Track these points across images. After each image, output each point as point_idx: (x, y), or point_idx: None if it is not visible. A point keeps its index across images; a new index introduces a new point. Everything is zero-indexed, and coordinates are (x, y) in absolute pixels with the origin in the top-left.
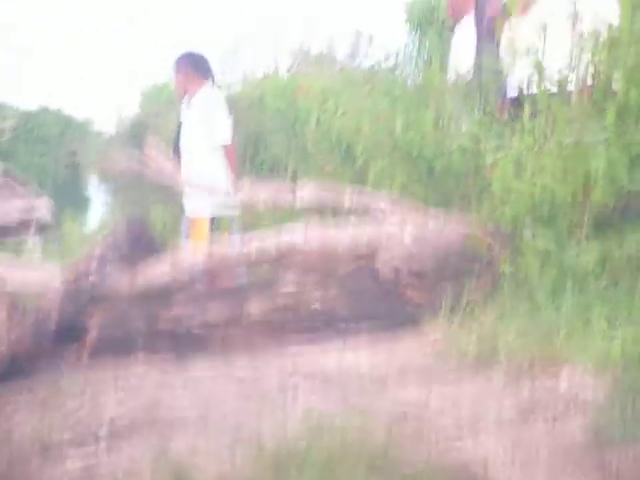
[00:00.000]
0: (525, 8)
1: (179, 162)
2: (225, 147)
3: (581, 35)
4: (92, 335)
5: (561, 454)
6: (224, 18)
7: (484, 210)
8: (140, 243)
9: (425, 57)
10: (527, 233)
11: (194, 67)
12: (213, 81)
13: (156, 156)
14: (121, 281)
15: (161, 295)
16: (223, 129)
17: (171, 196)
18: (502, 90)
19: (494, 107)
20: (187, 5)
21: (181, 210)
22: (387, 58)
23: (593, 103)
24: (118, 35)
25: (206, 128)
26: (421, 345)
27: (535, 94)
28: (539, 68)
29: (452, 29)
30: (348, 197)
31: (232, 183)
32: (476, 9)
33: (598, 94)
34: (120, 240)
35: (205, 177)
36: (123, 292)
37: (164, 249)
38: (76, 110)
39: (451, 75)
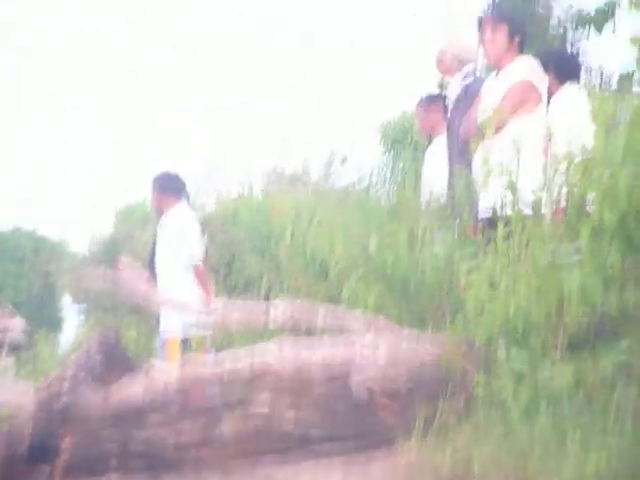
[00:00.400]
0: (499, 129)
1: (153, 281)
2: (196, 267)
3: (555, 156)
4: (65, 456)
5: None
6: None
7: (458, 329)
8: (113, 363)
9: (399, 177)
10: (501, 353)
11: (169, 186)
12: (188, 200)
13: (130, 275)
14: (94, 401)
15: (134, 415)
16: (193, 249)
17: (144, 315)
18: (475, 210)
19: (467, 227)
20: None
21: (155, 329)
22: (361, 179)
23: (567, 224)
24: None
25: (177, 247)
26: (395, 466)
27: (509, 215)
28: (512, 189)
29: (425, 150)
30: (322, 316)
31: (205, 302)
32: (448, 130)
33: (572, 215)
34: (93, 360)
35: (178, 296)
36: (96, 412)
37: (137, 368)
38: (50, 231)
39: (424, 195)
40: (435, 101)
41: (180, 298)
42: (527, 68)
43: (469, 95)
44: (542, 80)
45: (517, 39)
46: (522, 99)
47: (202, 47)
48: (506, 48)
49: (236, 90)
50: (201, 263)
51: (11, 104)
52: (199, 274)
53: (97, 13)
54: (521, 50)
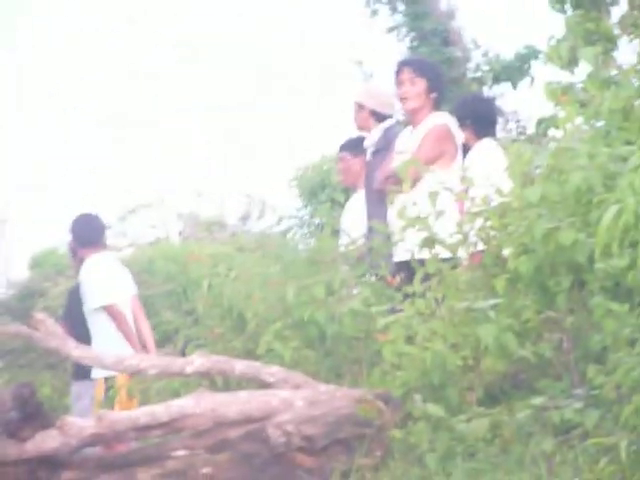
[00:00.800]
0: (416, 180)
1: (68, 335)
2: (108, 309)
3: (473, 200)
4: None
5: None
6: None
7: (375, 375)
8: (28, 418)
9: (317, 221)
10: (418, 398)
11: (87, 235)
12: (104, 246)
13: (45, 320)
14: (9, 457)
15: (49, 471)
16: (96, 292)
17: (58, 371)
18: (393, 255)
19: (385, 271)
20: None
21: (71, 374)
22: (279, 222)
23: (484, 269)
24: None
25: (88, 292)
26: None
27: (426, 259)
28: (429, 233)
29: (344, 194)
30: (239, 371)
31: (119, 358)
32: (366, 177)
33: (488, 260)
34: (7, 416)
35: (95, 342)
36: (11, 460)
37: (52, 424)
38: None
39: (343, 240)
40: (359, 148)
41: (93, 353)
42: (444, 120)
43: (386, 147)
44: (458, 135)
45: (434, 95)
46: (439, 145)
47: (202, 47)
48: (423, 103)
49: (236, 90)
50: (114, 304)
51: (11, 104)
52: (115, 316)
53: (97, 13)
54: (437, 107)
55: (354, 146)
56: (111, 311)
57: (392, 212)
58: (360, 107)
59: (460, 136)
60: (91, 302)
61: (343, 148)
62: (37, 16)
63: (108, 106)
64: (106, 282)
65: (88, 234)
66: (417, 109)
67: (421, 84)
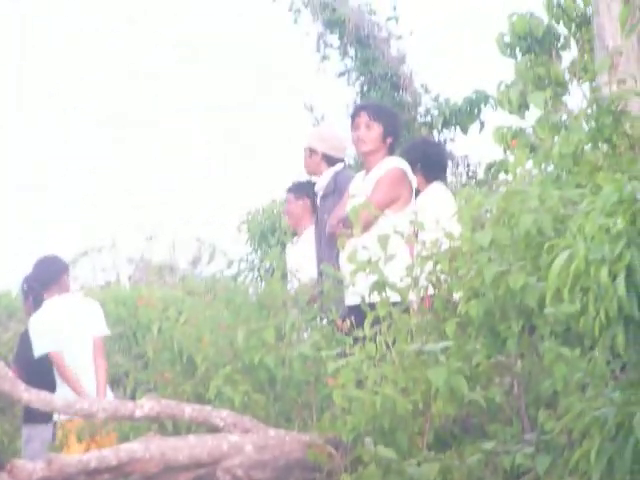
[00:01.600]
0: (368, 224)
1: (19, 370)
2: (51, 357)
3: (423, 244)
4: None
5: None
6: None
7: (325, 419)
8: None
9: (267, 265)
10: (369, 441)
11: (48, 273)
12: (67, 288)
13: None
14: None
15: None
16: (36, 341)
17: (10, 404)
18: (343, 298)
19: (336, 315)
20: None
21: (21, 417)
22: (229, 266)
23: (434, 312)
24: None
25: (32, 340)
26: None
27: (376, 302)
28: (380, 277)
29: (293, 238)
30: (188, 415)
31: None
32: (316, 224)
33: (439, 303)
34: None
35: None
36: None
37: (1, 468)
38: None
39: (293, 284)
40: (304, 191)
41: (43, 396)
42: (399, 164)
43: (337, 191)
44: (413, 179)
45: (389, 140)
46: (393, 189)
47: (202, 47)
48: (377, 147)
49: (236, 90)
50: (53, 352)
51: (11, 104)
52: (56, 362)
53: (97, 13)
54: (392, 152)
55: (298, 189)
56: (52, 359)
57: (343, 256)
58: (312, 151)
59: (414, 180)
60: (36, 350)
61: (288, 190)
62: (38, 16)
63: (108, 106)
64: (47, 329)
65: (51, 276)
66: (372, 153)
67: (377, 129)
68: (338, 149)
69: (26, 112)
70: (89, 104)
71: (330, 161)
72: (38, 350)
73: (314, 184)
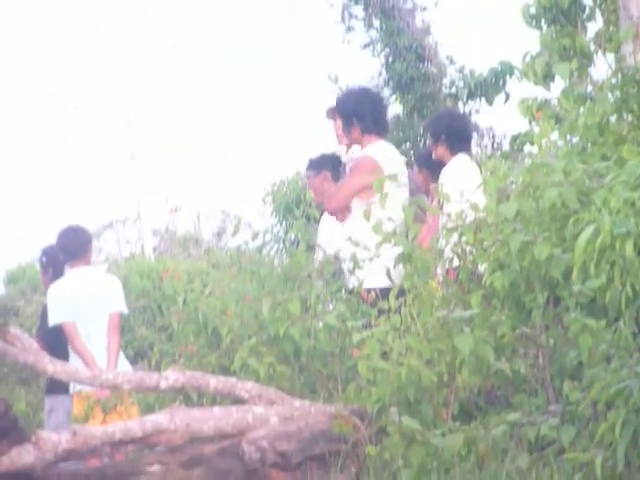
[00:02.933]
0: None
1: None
2: (64, 327)
3: (448, 215)
4: None
5: None
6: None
7: (350, 390)
8: (3, 433)
9: (292, 237)
10: (393, 413)
11: (73, 244)
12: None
13: (20, 335)
14: None
15: (25, 476)
16: (50, 311)
17: (34, 376)
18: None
19: (360, 294)
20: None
21: (44, 389)
22: (254, 238)
23: (459, 284)
24: None
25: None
26: None
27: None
28: (406, 248)
29: (319, 210)
30: (213, 386)
31: (96, 373)
32: None
33: (464, 275)
34: None
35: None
36: None
37: (27, 439)
38: None
39: (318, 255)
40: (322, 165)
41: (68, 368)
42: (369, 153)
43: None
44: (390, 164)
45: (357, 126)
46: (359, 178)
47: (202, 48)
48: (353, 138)
49: (260, 62)
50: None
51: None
52: (67, 334)
53: (97, 13)
54: (370, 132)
55: (316, 164)
56: (64, 329)
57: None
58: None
59: (395, 163)
60: (50, 319)
61: (307, 168)
62: (37, 17)
63: (108, 106)
64: (63, 300)
65: (75, 246)
66: (348, 145)
67: (339, 122)
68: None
69: (26, 112)
70: (89, 104)
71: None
72: (52, 319)
73: (332, 156)
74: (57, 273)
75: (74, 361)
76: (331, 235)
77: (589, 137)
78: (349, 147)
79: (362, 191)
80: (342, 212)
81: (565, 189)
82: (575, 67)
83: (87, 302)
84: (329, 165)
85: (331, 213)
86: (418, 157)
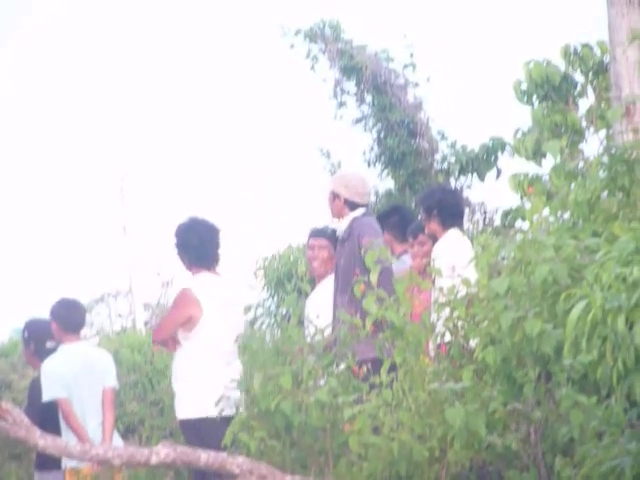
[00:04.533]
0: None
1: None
2: (59, 403)
3: (440, 290)
4: None
5: None
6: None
7: (342, 466)
8: None
9: (284, 311)
10: None
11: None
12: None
13: (12, 409)
14: None
15: None
16: (45, 386)
17: (25, 451)
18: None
19: (352, 362)
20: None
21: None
22: (246, 312)
23: (450, 359)
24: None
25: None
26: None
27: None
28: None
29: (310, 284)
30: (204, 462)
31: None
32: (335, 265)
33: (455, 350)
34: None
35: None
36: None
37: None
38: None
39: (309, 330)
40: (326, 235)
41: (59, 443)
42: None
43: (351, 237)
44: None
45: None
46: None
47: (217, 93)
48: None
49: (251, 136)
50: (60, 399)
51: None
52: (62, 409)
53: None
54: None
55: (321, 233)
56: (59, 405)
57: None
58: (335, 196)
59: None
60: (44, 395)
61: (312, 235)
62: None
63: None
64: (59, 375)
65: (72, 320)
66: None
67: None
68: (361, 195)
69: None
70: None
71: (352, 206)
72: (47, 395)
73: (333, 229)
74: (39, 348)
75: (67, 436)
76: (325, 306)
77: (579, 214)
78: (338, 220)
79: (184, 323)
80: (171, 342)
81: (556, 265)
82: (565, 144)
83: (81, 377)
84: (331, 236)
85: (160, 344)
86: (411, 230)
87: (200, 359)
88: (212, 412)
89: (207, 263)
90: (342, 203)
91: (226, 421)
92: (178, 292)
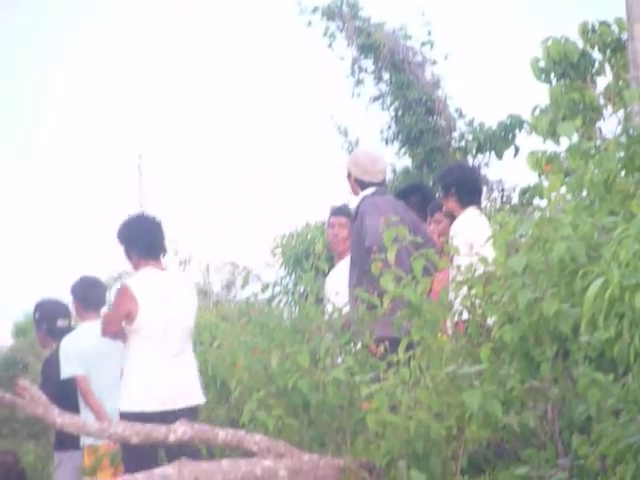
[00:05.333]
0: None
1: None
2: (77, 381)
3: (458, 268)
4: None
5: None
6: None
7: (359, 444)
8: (11, 476)
9: (301, 289)
10: (402, 467)
11: (91, 294)
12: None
13: (29, 387)
14: None
15: None
16: (64, 364)
17: (43, 429)
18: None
19: (369, 347)
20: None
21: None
22: (263, 290)
23: (468, 337)
24: None
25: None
26: None
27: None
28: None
29: (329, 261)
30: (222, 439)
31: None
32: (352, 241)
33: (473, 328)
34: None
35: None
36: None
37: None
38: None
39: (327, 308)
40: (346, 214)
41: (77, 420)
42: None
43: (359, 216)
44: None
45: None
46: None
47: (236, 71)
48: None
49: (270, 114)
50: (79, 376)
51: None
52: (79, 387)
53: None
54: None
55: (341, 211)
56: (78, 383)
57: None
58: (348, 174)
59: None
60: (63, 372)
61: (333, 213)
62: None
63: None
64: (78, 352)
65: (93, 298)
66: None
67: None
68: (371, 174)
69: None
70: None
71: (362, 185)
72: (66, 372)
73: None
74: (51, 327)
75: (84, 414)
76: (338, 287)
77: (596, 193)
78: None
79: (125, 318)
80: (122, 335)
81: (574, 243)
82: (579, 124)
83: (100, 356)
84: (349, 213)
85: (112, 337)
86: (443, 177)
87: (140, 353)
88: (149, 407)
89: (154, 253)
90: (353, 181)
91: (169, 414)
92: (118, 288)
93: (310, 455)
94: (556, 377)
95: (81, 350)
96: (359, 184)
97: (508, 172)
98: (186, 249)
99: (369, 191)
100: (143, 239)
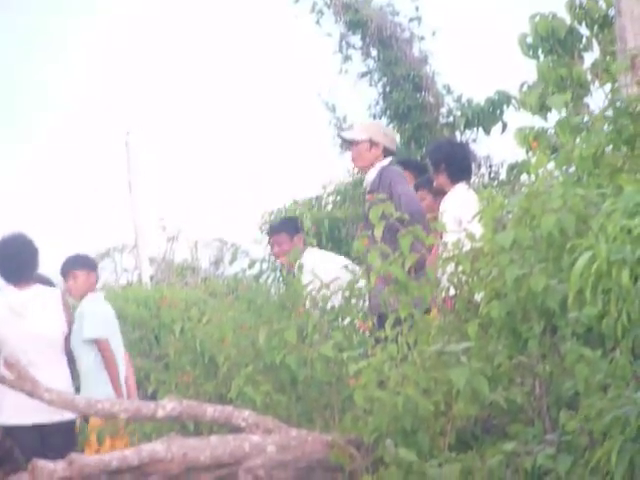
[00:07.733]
0: None
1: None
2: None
3: (445, 245)
4: None
5: None
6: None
7: (347, 420)
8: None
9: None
10: (390, 443)
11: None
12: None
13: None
14: None
15: None
16: (96, 324)
17: None
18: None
19: (358, 323)
20: None
21: None
22: (251, 266)
23: (455, 313)
24: None
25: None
26: None
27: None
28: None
29: (315, 239)
30: (210, 415)
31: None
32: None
33: (460, 304)
34: None
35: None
36: None
37: (24, 468)
38: None
39: (315, 284)
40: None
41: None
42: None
43: (382, 186)
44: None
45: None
46: None
47: (223, 49)
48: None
49: (257, 90)
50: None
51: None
52: (104, 352)
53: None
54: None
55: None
56: (102, 346)
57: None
58: (373, 144)
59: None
60: (88, 332)
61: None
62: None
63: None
64: (102, 316)
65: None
66: (363, 169)
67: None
68: (394, 143)
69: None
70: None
71: (387, 153)
72: (90, 332)
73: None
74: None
75: (99, 375)
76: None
77: (585, 168)
78: (365, 170)
79: None
80: None
81: (563, 216)
82: (569, 98)
83: (114, 322)
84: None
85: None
86: (433, 153)
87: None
88: (17, 420)
89: (14, 279)
90: (379, 151)
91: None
92: None
93: (298, 431)
94: (544, 353)
95: (105, 313)
96: (385, 152)
97: (496, 148)
98: (174, 225)
99: (386, 161)
100: (3, 265)
